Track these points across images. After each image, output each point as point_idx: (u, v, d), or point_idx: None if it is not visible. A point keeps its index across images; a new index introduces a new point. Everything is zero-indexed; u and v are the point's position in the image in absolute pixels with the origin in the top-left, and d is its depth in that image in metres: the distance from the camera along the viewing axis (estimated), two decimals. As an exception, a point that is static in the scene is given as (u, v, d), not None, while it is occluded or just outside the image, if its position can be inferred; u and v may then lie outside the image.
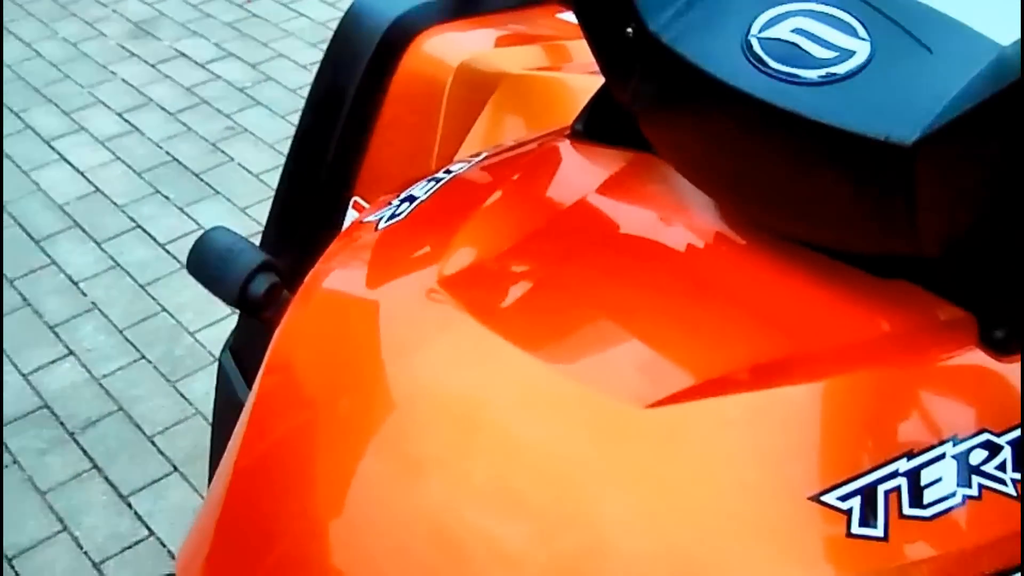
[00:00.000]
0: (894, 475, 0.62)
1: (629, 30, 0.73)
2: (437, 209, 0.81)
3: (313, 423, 0.72)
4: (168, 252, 2.89)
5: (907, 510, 0.62)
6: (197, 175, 3.20)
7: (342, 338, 0.76)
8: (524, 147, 0.91)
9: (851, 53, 0.65)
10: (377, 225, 0.82)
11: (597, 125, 0.86)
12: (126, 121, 3.46)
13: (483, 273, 0.74)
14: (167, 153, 3.31)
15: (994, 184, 0.65)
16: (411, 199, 0.84)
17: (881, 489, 0.62)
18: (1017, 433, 0.65)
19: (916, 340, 0.70)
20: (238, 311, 1.14)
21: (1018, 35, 0.60)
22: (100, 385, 2.52)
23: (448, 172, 0.87)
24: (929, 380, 0.68)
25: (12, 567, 2.14)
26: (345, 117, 1.31)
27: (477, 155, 0.91)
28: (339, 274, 0.80)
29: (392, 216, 0.82)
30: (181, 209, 3.07)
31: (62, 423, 2.43)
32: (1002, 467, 0.64)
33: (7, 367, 2.57)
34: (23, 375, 2.55)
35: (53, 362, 2.58)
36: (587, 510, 0.63)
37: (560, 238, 0.77)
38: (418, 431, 0.67)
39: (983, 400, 0.67)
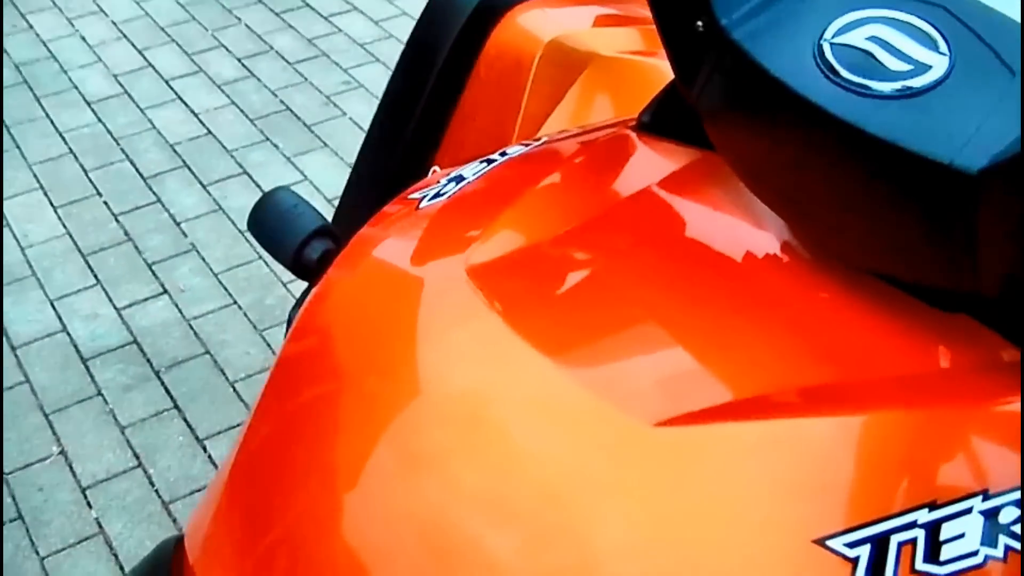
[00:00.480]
0: (911, 526, 0.58)
1: (700, 23, 0.69)
2: (482, 192, 0.78)
3: (339, 395, 0.70)
4: (271, 201, 2.90)
5: (920, 565, 0.57)
6: (308, 126, 3.22)
7: (376, 313, 0.73)
8: (585, 135, 0.87)
9: (927, 67, 0.60)
10: (420, 203, 0.80)
11: (664, 119, 0.82)
12: (244, 67, 3.49)
13: (517, 263, 0.71)
14: (281, 102, 3.33)
15: None
16: (459, 179, 0.81)
17: (895, 539, 0.57)
18: None
19: (967, 381, 0.65)
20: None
21: None
22: (190, 326, 2.55)
23: (504, 154, 0.84)
24: (970, 425, 0.62)
25: (85, 495, 2.18)
26: (432, 85, 1.29)
27: (537, 139, 0.87)
28: (375, 248, 0.78)
29: (436, 195, 0.80)
30: (289, 159, 3.08)
31: (148, 360, 2.46)
32: None
33: (102, 299, 2.61)
34: (117, 309, 2.59)
35: (147, 299, 2.62)
36: (578, 527, 0.59)
37: (608, 233, 0.74)
38: (422, 425, 0.64)
39: None
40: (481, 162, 0.83)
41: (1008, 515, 0.59)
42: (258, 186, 2.97)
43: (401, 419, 0.66)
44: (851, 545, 0.57)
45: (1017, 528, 0.59)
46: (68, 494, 2.19)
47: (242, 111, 3.28)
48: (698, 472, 0.60)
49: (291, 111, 3.29)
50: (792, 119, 0.64)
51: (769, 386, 0.64)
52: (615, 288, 0.70)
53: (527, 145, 0.86)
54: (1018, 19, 0.59)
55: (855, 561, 0.57)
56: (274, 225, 0.99)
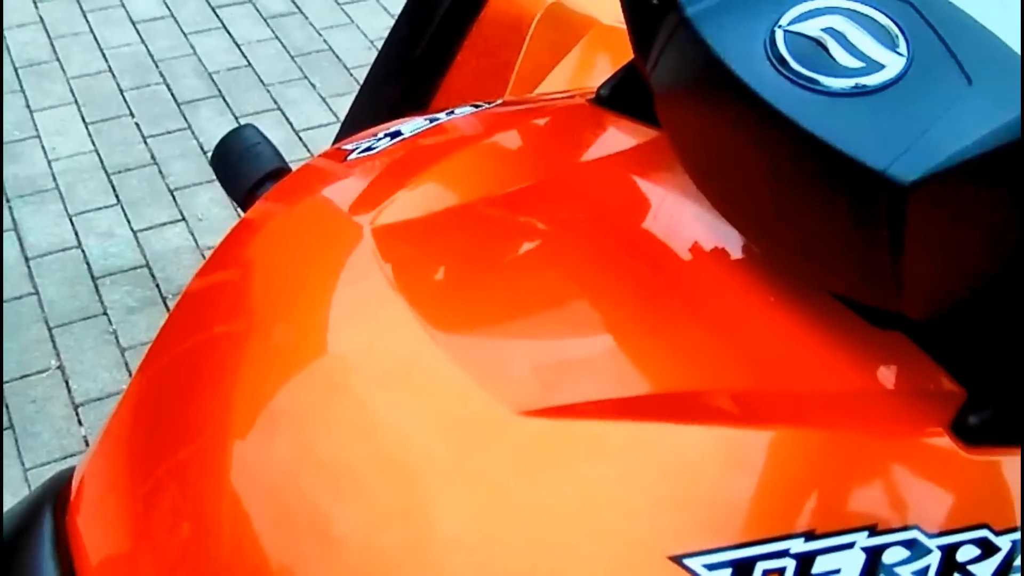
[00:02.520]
0: (783, 554, 0.53)
1: None
2: (413, 150, 0.75)
3: (247, 337, 0.68)
4: (300, 139, 2.89)
5: None
6: (348, 69, 3.19)
7: (291, 258, 0.70)
8: (540, 102, 0.84)
9: (880, 67, 0.56)
10: (348, 155, 0.76)
11: (624, 95, 0.78)
12: (293, 2, 3.46)
13: (431, 225, 0.67)
14: (324, 41, 3.30)
15: (999, 252, 0.55)
16: (396, 134, 0.77)
17: (760, 567, 0.53)
18: (952, 539, 0.55)
19: (889, 406, 0.60)
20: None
21: None
22: (203, 255, 2.54)
23: (450, 114, 0.80)
24: (873, 455, 0.57)
25: (76, 412, 2.18)
26: (430, 37, 1.25)
27: (491, 102, 0.84)
28: (291, 195, 0.75)
29: (368, 148, 0.76)
30: (324, 99, 3.06)
31: (157, 285, 2.46)
32: (923, 573, 0.55)
33: (120, 219, 2.61)
34: (133, 231, 2.58)
35: (164, 224, 2.61)
36: (420, 510, 0.56)
37: (539, 205, 0.70)
38: (294, 384, 0.61)
39: (930, 492, 0.57)
40: (425, 119, 0.80)
41: (894, 555, 0.54)
42: (290, 123, 2.95)
43: (288, 374, 0.63)
44: (711, 567, 0.53)
45: (902, 570, 0.54)
46: (60, 409, 2.19)
47: (284, 46, 3.26)
48: (555, 469, 0.56)
49: (333, 51, 3.26)
50: (734, 108, 0.60)
51: (675, 386, 0.60)
52: (535, 264, 0.66)
53: (477, 107, 0.82)
54: (1014, 48, 0.55)
55: None
56: (233, 162, 0.97)
